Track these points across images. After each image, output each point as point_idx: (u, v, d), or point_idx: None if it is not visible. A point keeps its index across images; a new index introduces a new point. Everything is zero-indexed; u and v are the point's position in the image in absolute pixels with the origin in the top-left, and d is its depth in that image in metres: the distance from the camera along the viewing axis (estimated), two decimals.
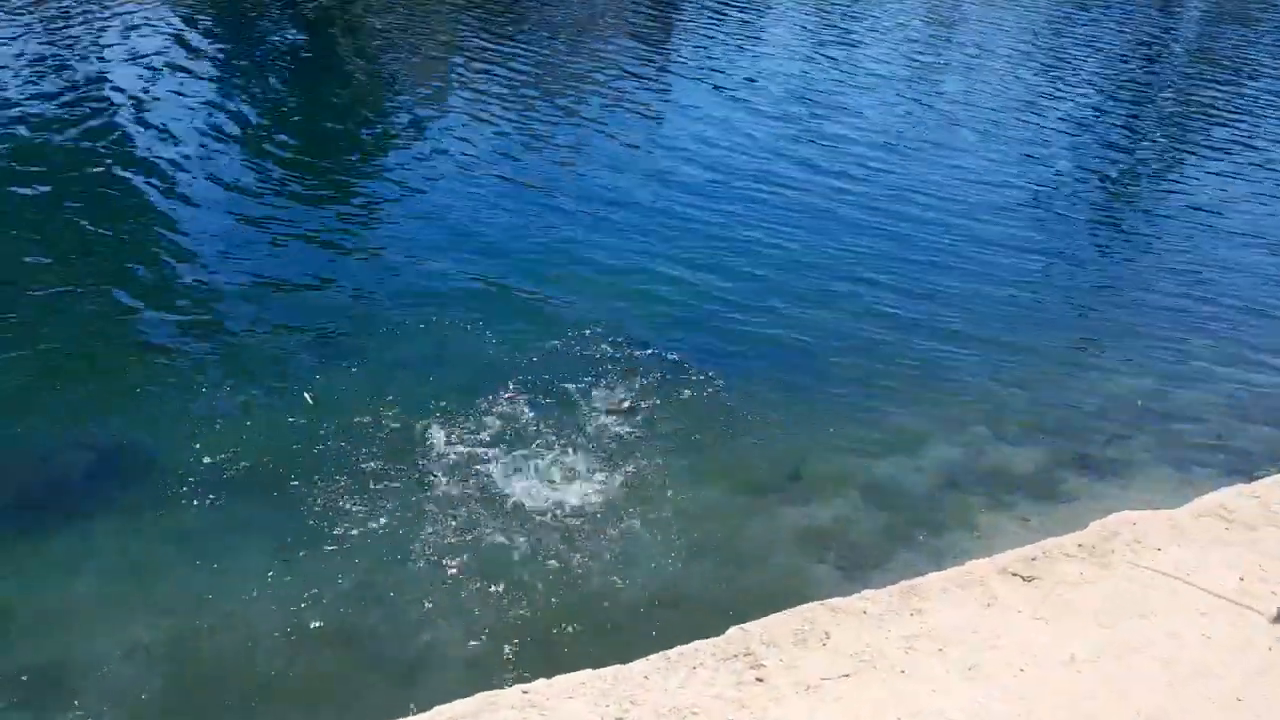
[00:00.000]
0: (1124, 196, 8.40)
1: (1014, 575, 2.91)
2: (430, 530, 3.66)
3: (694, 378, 4.76)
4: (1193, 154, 9.46)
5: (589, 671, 2.54)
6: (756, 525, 3.85)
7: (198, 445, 4.00)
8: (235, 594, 3.33)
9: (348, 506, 3.75)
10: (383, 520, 3.68)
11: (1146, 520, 3.12)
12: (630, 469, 4.08)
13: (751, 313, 5.47)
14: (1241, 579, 2.88)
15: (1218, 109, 11.11)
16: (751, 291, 5.72)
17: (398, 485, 3.87)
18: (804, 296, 5.72)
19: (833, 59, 11.82)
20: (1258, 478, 3.71)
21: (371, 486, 3.86)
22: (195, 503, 3.71)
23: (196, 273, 5.37)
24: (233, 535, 3.60)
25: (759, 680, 2.47)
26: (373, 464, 3.98)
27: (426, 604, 3.34)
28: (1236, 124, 10.52)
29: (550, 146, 7.75)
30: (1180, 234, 7.37)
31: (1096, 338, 5.65)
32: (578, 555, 3.59)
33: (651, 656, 2.57)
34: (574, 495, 3.90)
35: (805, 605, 2.79)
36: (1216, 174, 8.78)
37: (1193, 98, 11.79)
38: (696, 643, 2.63)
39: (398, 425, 4.20)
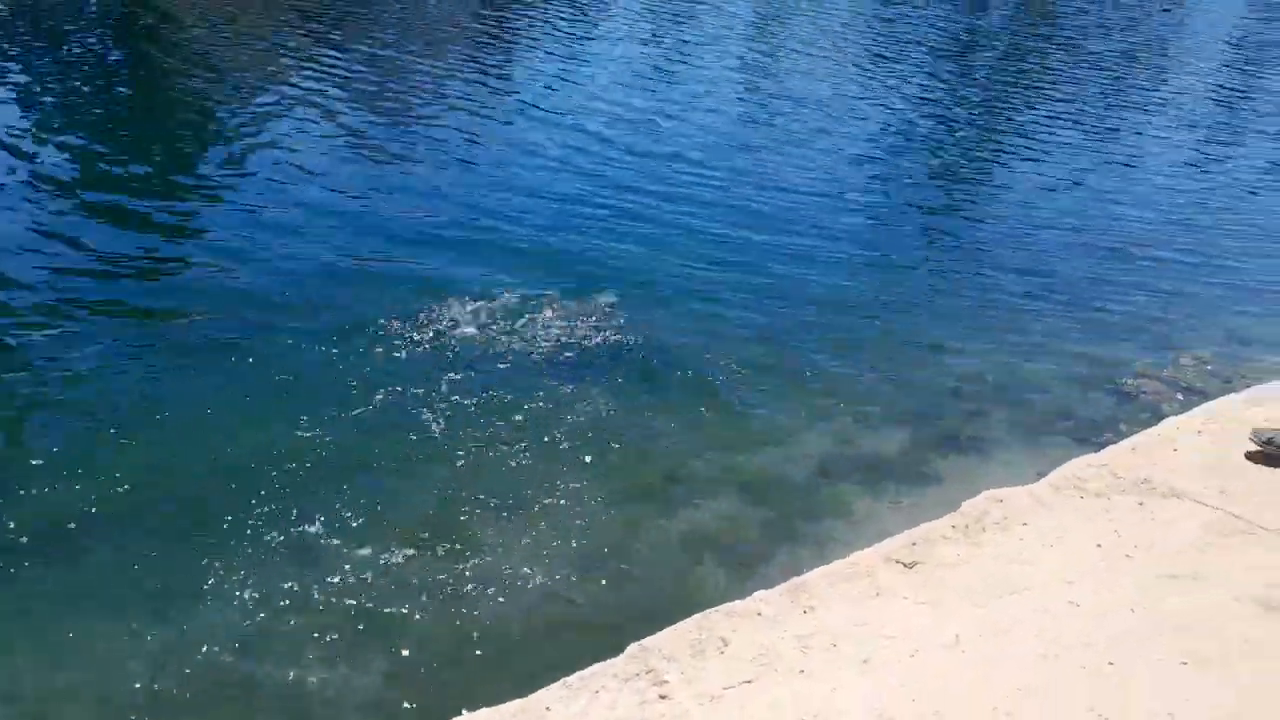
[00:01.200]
0: (950, 188, 8.85)
1: (896, 563, 3.00)
2: (303, 573, 3.49)
3: (558, 390, 4.72)
4: (1011, 145, 10.06)
5: (488, 710, 2.47)
6: (641, 534, 3.85)
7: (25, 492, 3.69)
8: (88, 662, 3.08)
9: (203, 556, 3.53)
10: (249, 567, 3.48)
11: (1011, 497, 3.27)
12: (501, 488, 4.01)
13: (606, 321, 5.46)
14: (1099, 545, 3.06)
15: (1030, 102, 11.86)
16: (602, 301, 5.72)
17: (262, 525, 3.67)
18: (654, 302, 5.75)
19: (664, 68, 11.96)
20: (1102, 446, 3.94)
21: (232, 528, 3.65)
22: (33, 562, 3.42)
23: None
24: (85, 596, 3.33)
25: (662, 698, 2.46)
26: (233, 501, 3.76)
27: (307, 654, 3.18)
28: (1046, 115, 11.26)
29: (373, 159, 7.61)
30: (1004, 221, 7.84)
31: (943, 322, 5.90)
32: (464, 585, 3.50)
33: (552, 686, 2.51)
34: (451, 523, 3.80)
35: (701, 614, 2.79)
36: (1033, 161, 9.37)
37: (1007, 92, 12.53)
38: (596, 665, 2.59)
39: (240, 458, 4.00)
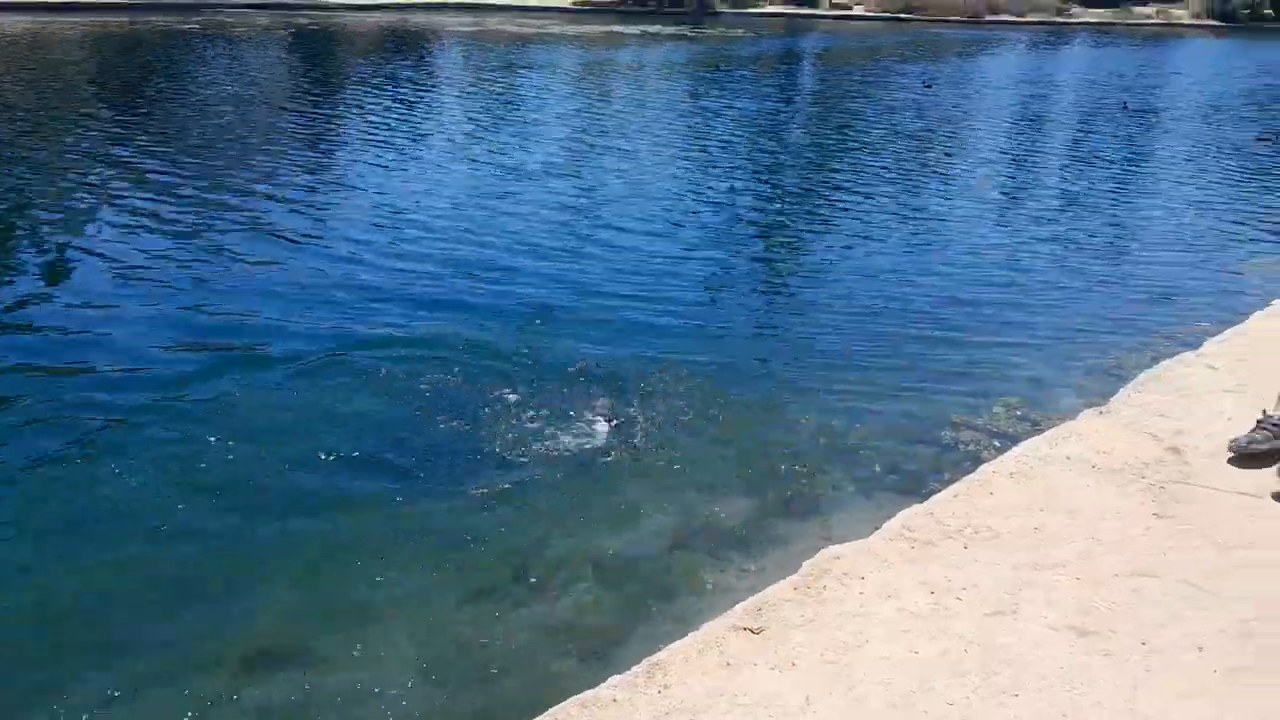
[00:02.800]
0: (767, 259, 9.31)
1: (744, 630, 3.04)
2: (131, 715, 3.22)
3: (394, 487, 4.62)
4: (821, 215, 10.72)
5: None
6: (493, 632, 3.76)
7: None
8: None
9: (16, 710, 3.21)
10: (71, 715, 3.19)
11: (848, 553, 3.40)
12: (342, 596, 3.86)
13: (435, 409, 5.42)
14: (932, 592, 3.21)
15: (843, 155, 12.69)
16: (430, 387, 5.70)
17: (82, 667, 3.38)
18: (485, 386, 5.77)
19: (495, 143, 12.17)
20: (929, 495, 4.16)
21: (49, 676, 3.34)
22: None
23: None
24: None
25: None
26: (46, 643, 3.45)
27: None
28: (858, 169, 12.06)
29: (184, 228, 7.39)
30: (823, 287, 8.30)
31: (776, 387, 6.15)
32: (306, 707, 3.31)
33: None
34: (290, 639, 3.61)
35: (556, 707, 2.74)
36: (843, 231, 10.00)
37: (822, 146, 13.37)
38: None
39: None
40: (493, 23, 40.33)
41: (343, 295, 7.41)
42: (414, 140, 14.19)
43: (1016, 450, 4.35)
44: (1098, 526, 3.53)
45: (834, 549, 3.46)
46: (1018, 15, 55.36)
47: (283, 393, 5.70)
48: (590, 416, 5.52)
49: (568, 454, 5.12)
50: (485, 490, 4.72)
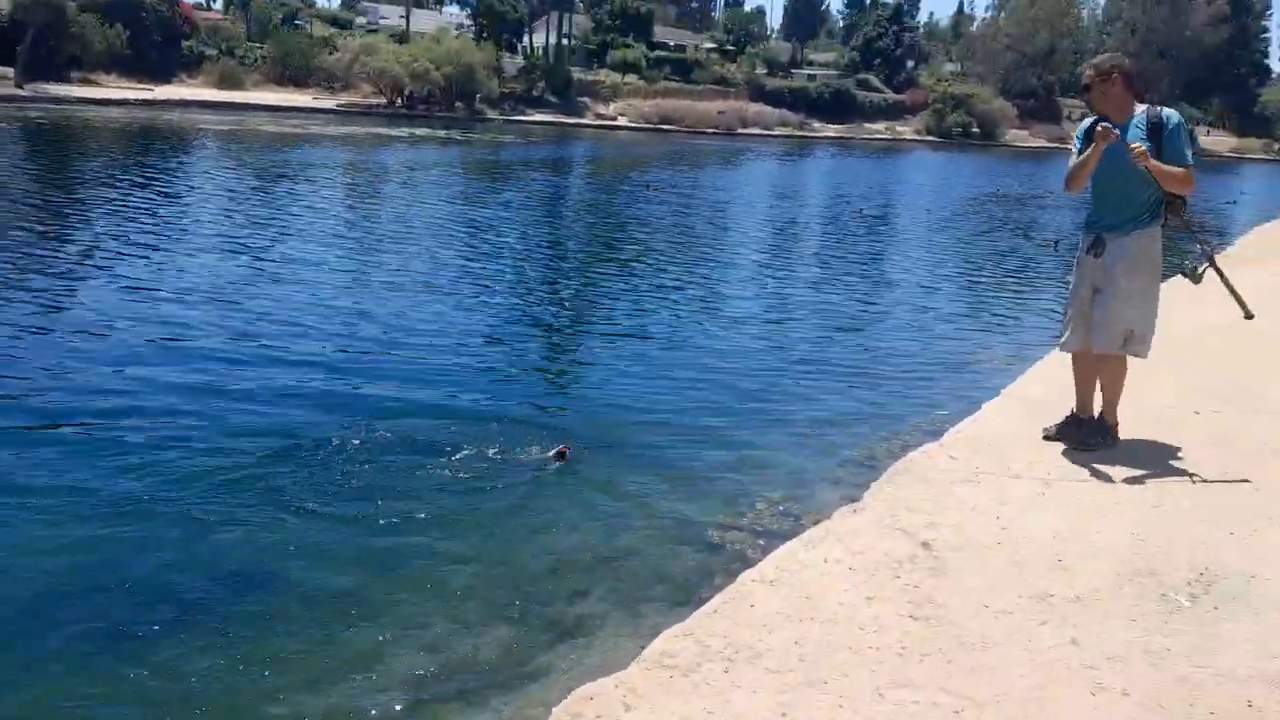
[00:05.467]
0: (531, 341, 9.09)
1: None
2: None
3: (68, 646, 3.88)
4: (588, 299, 10.69)
5: None
6: None
7: None
8: None
9: None
10: None
11: (601, 692, 3.07)
12: None
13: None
14: None
15: (606, 259, 12.81)
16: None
17: None
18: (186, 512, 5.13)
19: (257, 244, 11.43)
20: (695, 605, 3.94)
21: None
22: None
23: None
24: None
25: None
26: None
27: None
28: (621, 272, 12.18)
29: None
30: (581, 377, 8.15)
31: (530, 490, 5.79)
32: None
33: None
34: None
35: None
36: (616, 318, 9.98)
37: (581, 251, 13.47)
38: None
39: None
40: (253, 121, 38.83)
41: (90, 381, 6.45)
42: (166, 241, 13.06)
43: (776, 555, 4.22)
44: (856, 636, 3.41)
45: (587, 688, 3.12)
46: (766, 129, 60.04)
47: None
48: (321, 546, 4.96)
49: (298, 593, 4.53)
50: (203, 636, 4.03)
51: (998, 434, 5.77)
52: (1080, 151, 5.32)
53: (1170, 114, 5.21)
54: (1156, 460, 5.33)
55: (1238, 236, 19.27)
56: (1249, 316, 5.15)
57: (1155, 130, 5.13)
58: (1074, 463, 5.29)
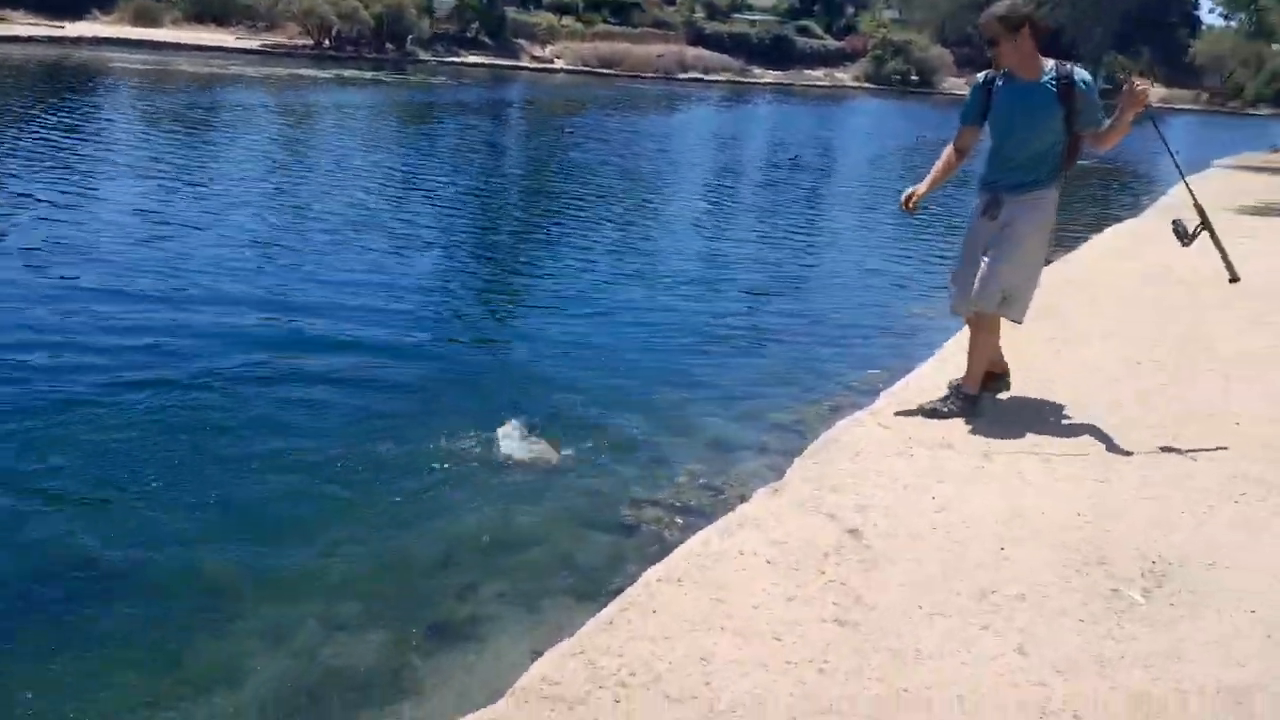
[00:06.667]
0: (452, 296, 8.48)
1: None
2: None
3: None
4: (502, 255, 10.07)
5: None
6: None
7: None
8: None
9: None
10: None
11: None
12: None
13: None
14: None
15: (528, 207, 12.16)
16: None
17: None
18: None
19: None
20: (601, 600, 3.47)
21: None
22: None
23: None
24: None
25: None
26: None
27: None
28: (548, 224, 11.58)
29: None
30: (497, 333, 7.57)
31: (425, 466, 5.22)
32: None
33: None
34: None
35: None
36: (534, 274, 9.39)
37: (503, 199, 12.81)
38: None
39: None
40: (170, 62, 36.77)
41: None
42: (97, 188, 12.01)
43: (686, 546, 3.74)
44: (773, 650, 2.95)
45: None
46: (705, 74, 59.08)
47: None
48: (203, 516, 4.36)
49: (161, 579, 3.94)
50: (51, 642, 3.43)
51: (933, 399, 5.35)
52: (970, 106, 5.02)
53: (1082, 73, 4.80)
54: (1102, 426, 4.96)
55: (1170, 187, 19.24)
56: (1234, 279, 4.76)
57: (1067, 91, 4.71)
58: (1014, 432, 4.90)
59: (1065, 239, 9.83)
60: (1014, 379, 5.40)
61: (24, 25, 40.76)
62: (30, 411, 5.50)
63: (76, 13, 45.10)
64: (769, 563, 3.52)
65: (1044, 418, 5.11)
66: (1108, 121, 4.73)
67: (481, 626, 3.98)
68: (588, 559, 4.57)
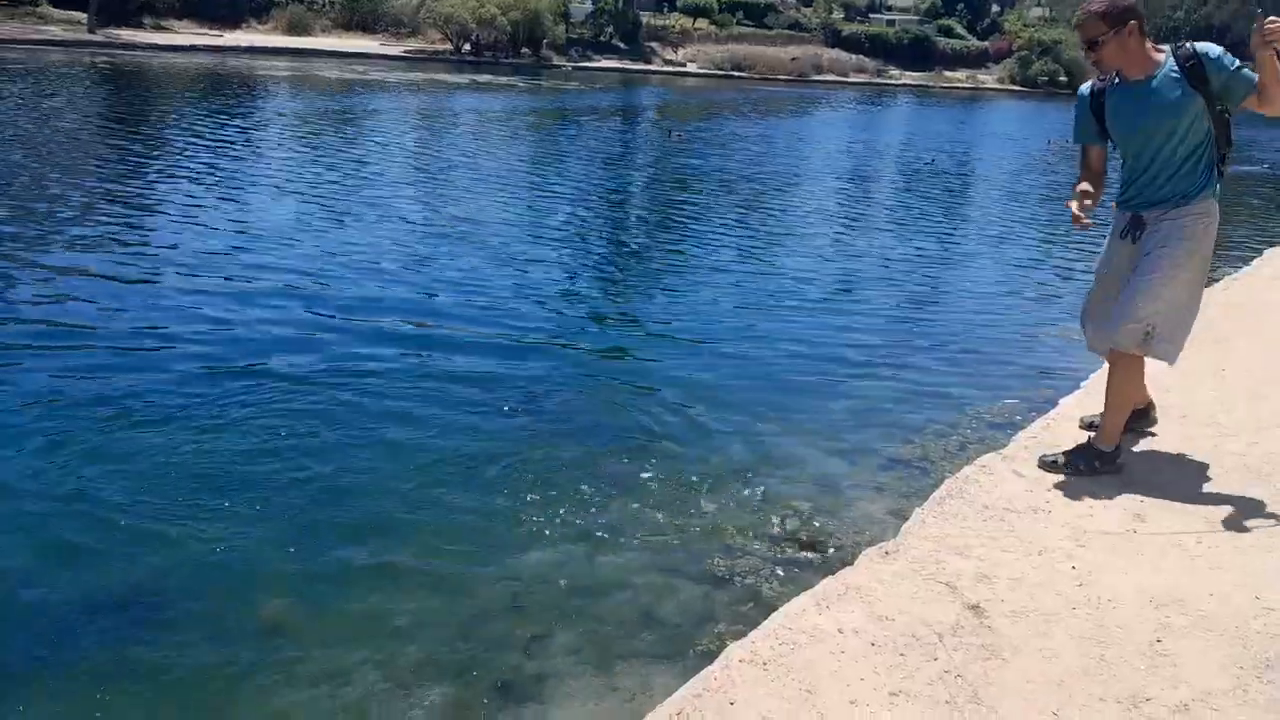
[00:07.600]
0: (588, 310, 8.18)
1: None
2: None
3: None
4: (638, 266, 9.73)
5: None
6: None
7: None
8: None
9: None
10: None
11: None
12: None
13: None
14: None
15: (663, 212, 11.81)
16: None
17: None
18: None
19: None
20: (700, 663, 3.05)
21: None
22: None
23: None
24: None
25: None
26: None
27: None
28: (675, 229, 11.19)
29: None
30: (623, 354, 7.22)
31: (502, 502, 4.89)
32: None
33: None
34: None
35: None
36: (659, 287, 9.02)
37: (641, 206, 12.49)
38: None
39: None
40: (316, 67, 38.35)
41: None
42: (244, 186, 12.48)
43: (777, 618, 3.26)
44: None
45: None
46: (841, 76, 57.68)
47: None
48: (272, 543, 4.17)
49: (217, 618, 3.75)
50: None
51: (1077, 443, 4.67)
52: (1080, 124, 4.34)
53: (1205, 45, 4.00)
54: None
55: None
56: None
57: (1196, 71, 3.93)
58: (1175, 490, 4.19)
59: (1225, 257, 8.72)
60: (1178, 425, 4.67)
61: (186, 35, 43.48)
62: (102, 428, 5.47)
63: (235, 23, 47.79)
64: (872, 645, 3.02)
65: (1212, 474, 4.38)
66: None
67: (548, 688, 3.61)
68: (671, 613, 4.12)
